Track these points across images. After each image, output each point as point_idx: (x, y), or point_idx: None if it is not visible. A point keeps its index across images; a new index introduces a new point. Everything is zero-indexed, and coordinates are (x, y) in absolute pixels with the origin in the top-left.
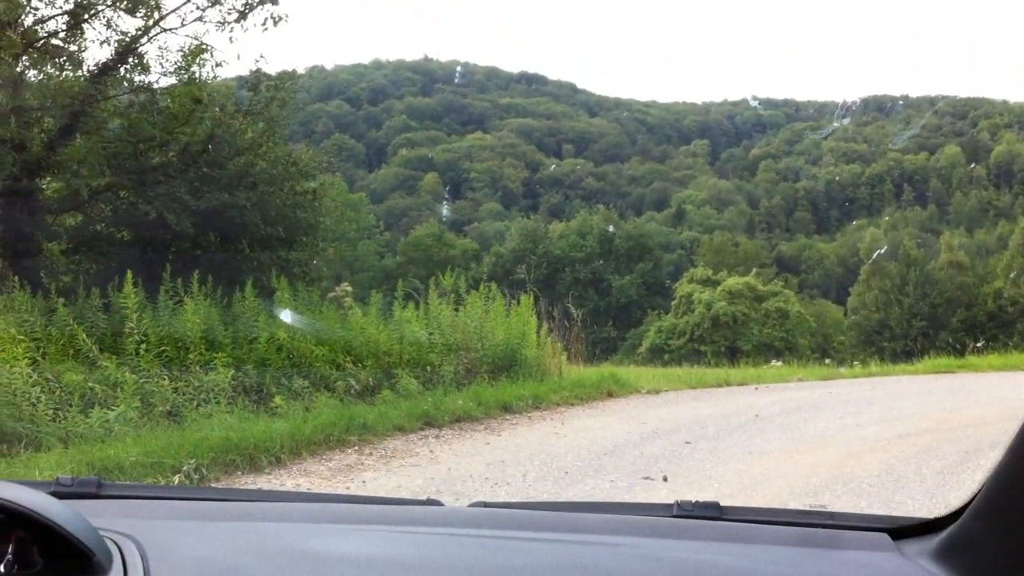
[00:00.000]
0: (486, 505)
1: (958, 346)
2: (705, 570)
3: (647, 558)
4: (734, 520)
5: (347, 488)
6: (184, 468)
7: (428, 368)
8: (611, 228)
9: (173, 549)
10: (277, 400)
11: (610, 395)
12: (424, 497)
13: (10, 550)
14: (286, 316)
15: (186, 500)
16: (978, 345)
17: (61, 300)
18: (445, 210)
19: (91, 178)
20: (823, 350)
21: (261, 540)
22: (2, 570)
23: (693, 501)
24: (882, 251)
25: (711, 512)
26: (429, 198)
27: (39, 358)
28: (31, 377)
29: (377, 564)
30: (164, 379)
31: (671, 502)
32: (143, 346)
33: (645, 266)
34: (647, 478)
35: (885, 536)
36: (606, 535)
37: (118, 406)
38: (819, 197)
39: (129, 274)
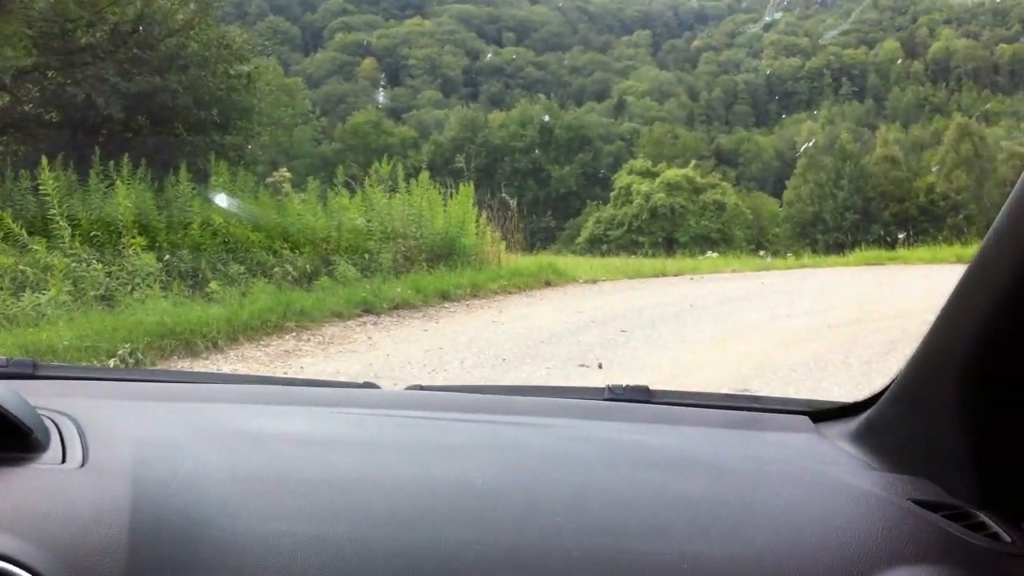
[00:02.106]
0: (422, 388)
1: (889, 239)
2: (634, 449)
3: (578, 438)
4: (663, 403)
5: (285, 373)
6: (119, 352)
7: (366, 255)
8: (546, 118)
9: (111, 427)
10: (213, 285)
11: (548, 284)
12: (361, 381)
13: None
14: (221, 200)
15: (123, 381)
16: (900, 237)
17: None
18: (383, 97)
19: (16, 58)
20: (758, 242)
21: (199, 419)
22: None
23: (624, 385)
24: (811, 144)
25: (641, 395)
26: (367, 84)
27: None
28: None
29: (313, 442)
30: (96, 263)
31: (603, 386)
32: (74, 230)
33: (585, 157)
34: (583, 365)
35: (805, 418)
36: (538, 416)
37: (49, 290)
38: (759, 90)
39: (44, 159)
